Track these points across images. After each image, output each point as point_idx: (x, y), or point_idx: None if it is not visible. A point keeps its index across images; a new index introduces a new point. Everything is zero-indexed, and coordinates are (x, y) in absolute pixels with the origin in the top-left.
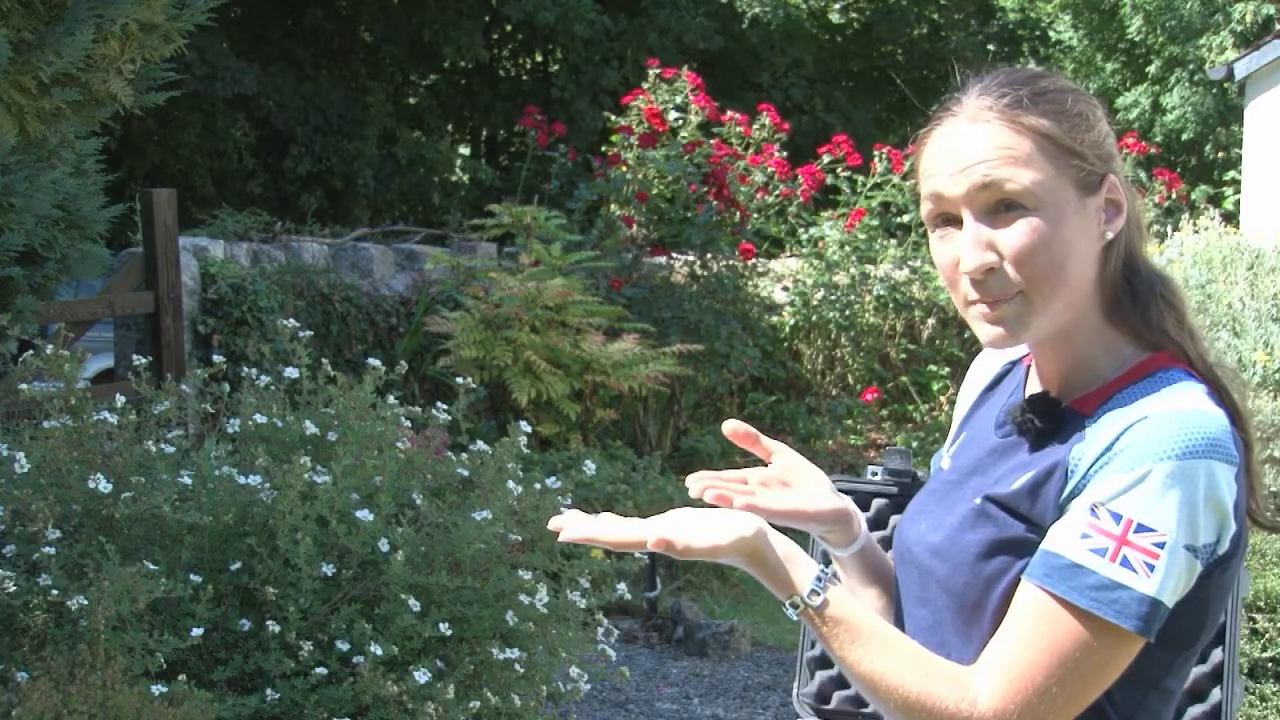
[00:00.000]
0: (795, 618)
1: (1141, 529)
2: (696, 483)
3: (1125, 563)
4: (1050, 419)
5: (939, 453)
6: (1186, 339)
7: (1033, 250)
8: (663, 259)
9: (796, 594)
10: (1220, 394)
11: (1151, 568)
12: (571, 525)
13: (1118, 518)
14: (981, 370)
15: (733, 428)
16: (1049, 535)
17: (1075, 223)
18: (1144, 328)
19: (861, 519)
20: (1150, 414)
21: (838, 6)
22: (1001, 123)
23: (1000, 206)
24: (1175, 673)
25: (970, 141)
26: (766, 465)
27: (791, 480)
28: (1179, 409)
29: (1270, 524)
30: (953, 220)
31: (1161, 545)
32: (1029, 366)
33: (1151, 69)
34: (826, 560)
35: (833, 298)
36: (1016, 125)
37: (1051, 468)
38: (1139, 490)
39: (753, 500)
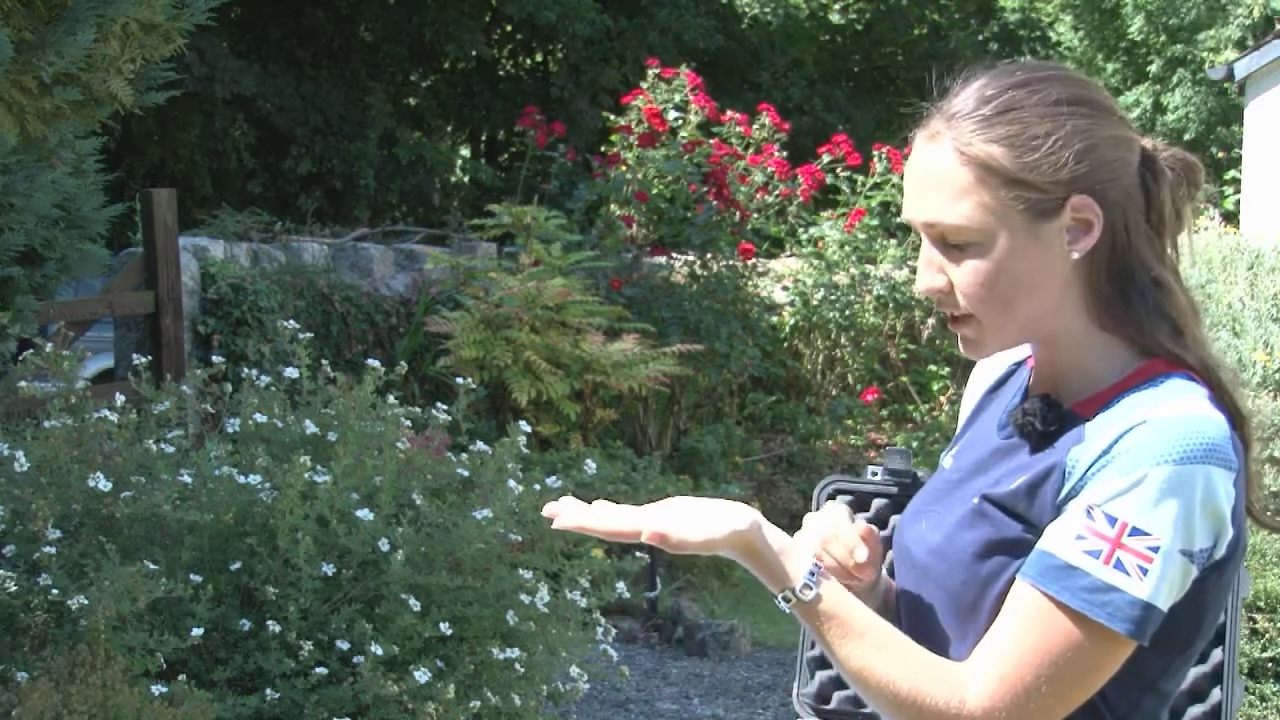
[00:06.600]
0: (788, 610)
1: (1136, 532)
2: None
3: (1119, 565)
4: (1050, 421)
5: (943, 455)
6: (1183, 348)
7: (974, 288)
8: (663, 259)
9: (789, 587)
10: (1221, 397)
11: (1145, 571)
12: (566, 513)
13: (1113, 520)
14: (985, 371)
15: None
16: (1044, 535)
17: (1026, 252)
18: (1138, 336)
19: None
20: (1150, 418)
21: (838, 7)
22: (951, 147)
23: (945, 241)
24: (1171, 675)
25: (923, 166)
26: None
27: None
28: (1178, 414)
29: (1271, 524)
30: None
31: (1155, 549)
32: (1032, 368)
33: (1153, 69)
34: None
35: (833, 298)
36: (962, 154)
37: (1049, 469)
38: (1135, 494)
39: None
